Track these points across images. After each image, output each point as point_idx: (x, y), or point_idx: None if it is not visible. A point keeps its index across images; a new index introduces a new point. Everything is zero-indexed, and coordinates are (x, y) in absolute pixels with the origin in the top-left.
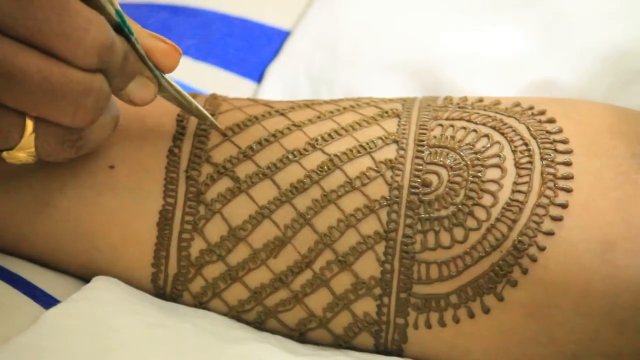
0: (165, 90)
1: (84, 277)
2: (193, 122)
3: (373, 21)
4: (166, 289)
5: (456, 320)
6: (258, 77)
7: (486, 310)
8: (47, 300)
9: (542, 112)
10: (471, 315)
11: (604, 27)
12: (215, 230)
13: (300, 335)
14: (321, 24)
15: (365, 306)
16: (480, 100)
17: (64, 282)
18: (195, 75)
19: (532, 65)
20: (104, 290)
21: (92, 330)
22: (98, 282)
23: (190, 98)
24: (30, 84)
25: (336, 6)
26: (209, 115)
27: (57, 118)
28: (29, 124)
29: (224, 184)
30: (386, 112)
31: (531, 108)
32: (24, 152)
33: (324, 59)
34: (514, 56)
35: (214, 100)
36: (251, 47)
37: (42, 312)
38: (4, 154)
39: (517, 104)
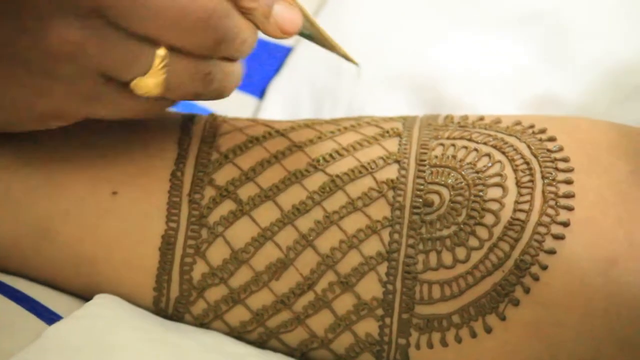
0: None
1: (86, 297)
2: (195, 144)
3: (375, 37)
4: (168, 310)
5: (458, 340)
6: (260, 93)
7: (488, 330)
8: (49, 317)
9: (543, 131)
10: (473, 335)
11: (606, 43)
12: (217, 253)
13: (302, 355)
14: None
15: (367, 327)
16: (481, 118)
17: (67, 299)
18: None
19: (534, 81)
20: (106, 307)
21: (95, 347)
22: (100, 299)
23: (326, 33)
24: (158, 10)
25: (339, 22)
26: (344, 49)
27: (183, 43)
28: (162, 49)
29: (227, 206)
30: (387, 132)
31: (532, 126)
32: (153, 79)
33: (327, 74)
34: (515, 71)
35: (214, 122)
36: (253, 64)
37: (44, 328)
38: (132, 83)
39: (518, 123)
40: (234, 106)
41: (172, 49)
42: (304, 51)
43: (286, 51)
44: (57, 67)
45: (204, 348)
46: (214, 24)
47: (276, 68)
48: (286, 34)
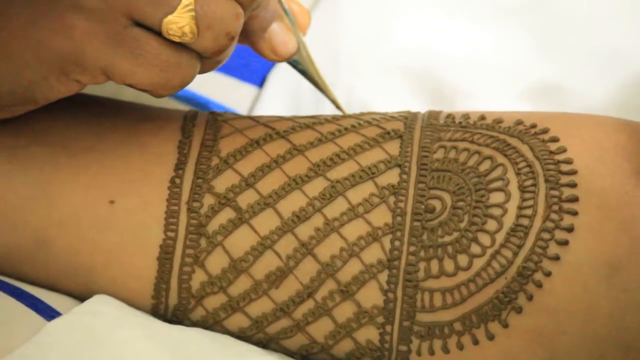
0: (299, 58)
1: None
2: (195, 149)
3: (374, 25)
4: (166, 317)
5: (460, 347)
6: (260, 82)
7: (491, 337)
8: (49, 313)
9: (545, 131)
10: (475, 342)
11: (605, 31)
12: (216, 262)
13: (302, 358)
14: (323, 29)
15: (368, 334)
16: (483, 117)
17: (67, 297)
18: (197, 81)
19: (533, 69)
20: (106, 304)
21: (95, 343)
22: (100, 297)
23: (320, 73)
24: None
25: (338, 11)
26: (334, 95)
27: None
28: None
29: (226, 214)
30: (388, 133)
31: (534, 126)
32: (184, 16)
33: (326, 62)
34: (514, 60)
35: (214, 122)
36: (253, 52)
37: (44, 324)
38: (164, 22)
39: (520, 122)
40: (234, 95)
41: None
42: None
43: None
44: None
45: (205, 344)
46: None
47: None
48: (277, 55)
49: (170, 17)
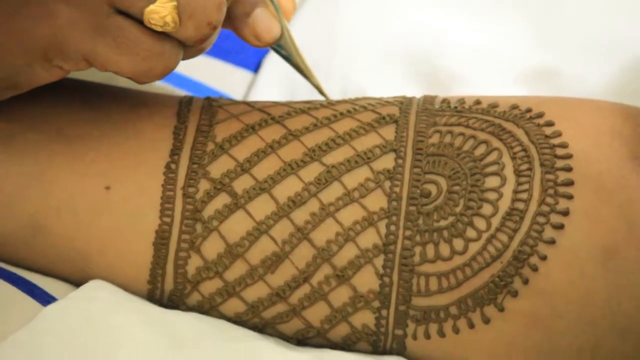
0: (282, 44)
1: None
2: (190, 134)
3: (371, 11)
4: (162, 302)
5: (456, 330)
6: (255, 67)
7: (486, 321)
8: (45, 298)
9: (541, 115)
10: (471, 325)
11: (602, 15)
12: (212, 247)
13: (298, 342)
14: (319, 14)
15: (364, 318)
16: (478, 102)
17: (63, 282)
18: (192, 66)
19: (529, 54)
20: (103, 290)
21: (91, 328)
22: (96, 282)
23: (304, 58)
24: None
25: None
26: (318, 80)
27: None
28: None
29: (222, 199)
30: (383, 118)
31: (529, 110)
32: (165, 5)
33: (322, 48)
34: (511, 45)
35: (210, 108)
36: None
37: (40, 309)
38: (146, 11)
39: (515, 106)
40: (230, 81)
41: None
42: (298, 27)
43: None
44: None
45: (201, 329)
46: None
47: None
48: (260, 41)
49: (152, 7)
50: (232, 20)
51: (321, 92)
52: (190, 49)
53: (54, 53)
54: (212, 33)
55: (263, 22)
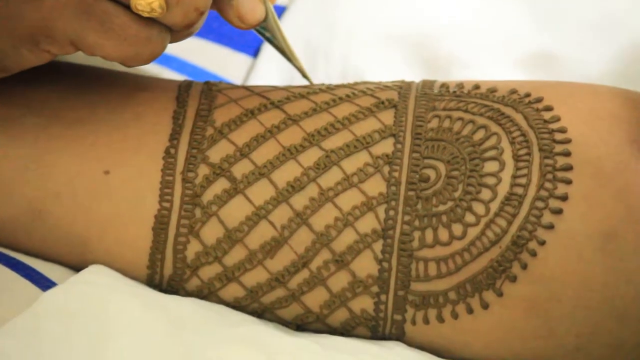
0: (266, 26)
1: None
2: (189, 119)
3: None
4: (161, 287)
5: (455, 316)
6: (254, 52)
7: (485, 306)
8: (45, 283)
9: (539, 100)
10: (470, 311)
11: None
12: (211, 232)
13: (297, 327)
14: None
15: (363, 303)
16: (477, 87)
17: (62, 266)
18: (192, 51)
19: (529, 38)
20: (102, 274)
21: (91, 312)
22: (95, 267)
23: (288, 41)
24: None
25: None
26: (301, 62)
27: None
28: None
29: (221, 184)
30: (382, 103)
31: (528, 95)
32: None
33: (321, 32)
34: (510, 28)
35: (209, 92)
36: None
37: (40, 294)
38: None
39: (514, 91)
40: (229, 65)
41: None
42: (298, 10)
43: (280, 10)
44: None
45: (200, 314)
46: None
47: None
48: (244, 23)
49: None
50: (217, 1)
51: (304, 74)
52: (177, 33)
53: (41, 37)
54: (200, 18)
55: (247, 4)
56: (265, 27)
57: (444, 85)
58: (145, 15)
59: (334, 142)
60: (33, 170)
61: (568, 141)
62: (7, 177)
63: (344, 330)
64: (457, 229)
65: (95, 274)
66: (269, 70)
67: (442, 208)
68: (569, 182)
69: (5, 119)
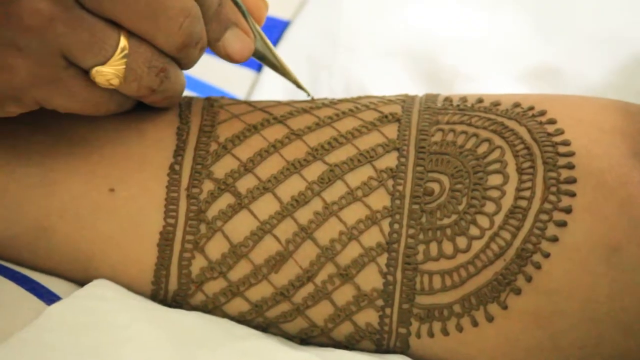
0: (257, 49)
1: None
2: (193, 135)
3: (373, 8)
4: (166, 302)
5: (459, 329)
6: (258, 67)
7: (490, 319)
8: (49, 297)
9: (543, 113)
10: (475, 324)
11: (603, 13)
12: (216, 247)
13: (302, 341)
14: (321, 14)
15: (367, 317)
16: (480, 100)
17: (66, 281)
18: (196, 66)
19: (532, 51)
20: (107, 288)
21: (96, 326)
22: (100, 281)
23: (281, 58)
24: None
25: None
26: (296, 77)
27: (153, 34)
28: (123, 39)
29: (225, 199)
30: (386, 117)
31: (531, 108)
32: (112, 69)
33: (324, 46)
34: (512, 41)
35: (211, 108)
36: None
37: (44, 308)
38: (93, 71)
39: (518, 105)
40: (233, 80)
41: (134, 37)
42: (301, 25)
43: (284, 25)
44: (25, 38)
45: (205, 328)
46: (187, 25)
47: (274, 41)
48: (233, 61)
49: (99, 68)
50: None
51: (301, 87)
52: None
53: (8, 101)
54: (151, 95)
55: (233, 45)
56: (256, 48)
57: (447, 99)
58: (104, 86)
59: (338, 156)
60: (39, 188)
61: (572, 154)
62: (13, 194)
63: (349, 344)
64: (462, 242)
65: (100, 287)
66: (272, 85)
67: (446, 221)
68: (572, 194)
69: (13, 136)
